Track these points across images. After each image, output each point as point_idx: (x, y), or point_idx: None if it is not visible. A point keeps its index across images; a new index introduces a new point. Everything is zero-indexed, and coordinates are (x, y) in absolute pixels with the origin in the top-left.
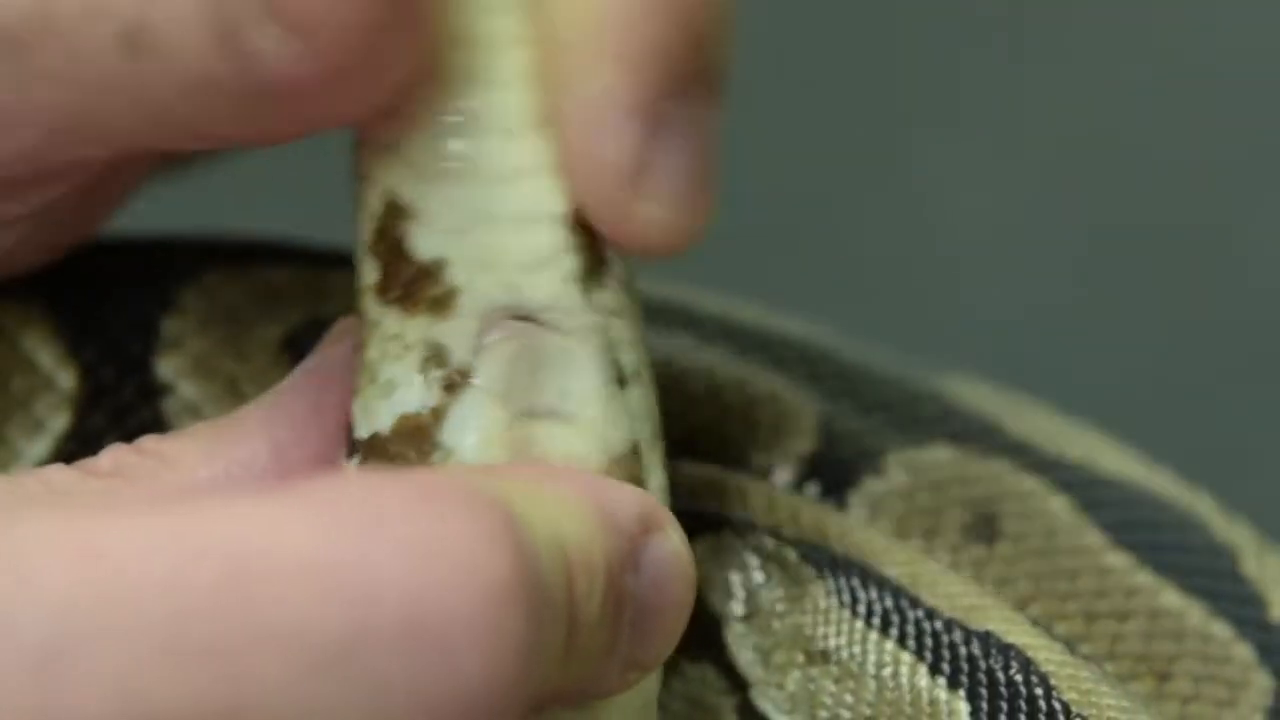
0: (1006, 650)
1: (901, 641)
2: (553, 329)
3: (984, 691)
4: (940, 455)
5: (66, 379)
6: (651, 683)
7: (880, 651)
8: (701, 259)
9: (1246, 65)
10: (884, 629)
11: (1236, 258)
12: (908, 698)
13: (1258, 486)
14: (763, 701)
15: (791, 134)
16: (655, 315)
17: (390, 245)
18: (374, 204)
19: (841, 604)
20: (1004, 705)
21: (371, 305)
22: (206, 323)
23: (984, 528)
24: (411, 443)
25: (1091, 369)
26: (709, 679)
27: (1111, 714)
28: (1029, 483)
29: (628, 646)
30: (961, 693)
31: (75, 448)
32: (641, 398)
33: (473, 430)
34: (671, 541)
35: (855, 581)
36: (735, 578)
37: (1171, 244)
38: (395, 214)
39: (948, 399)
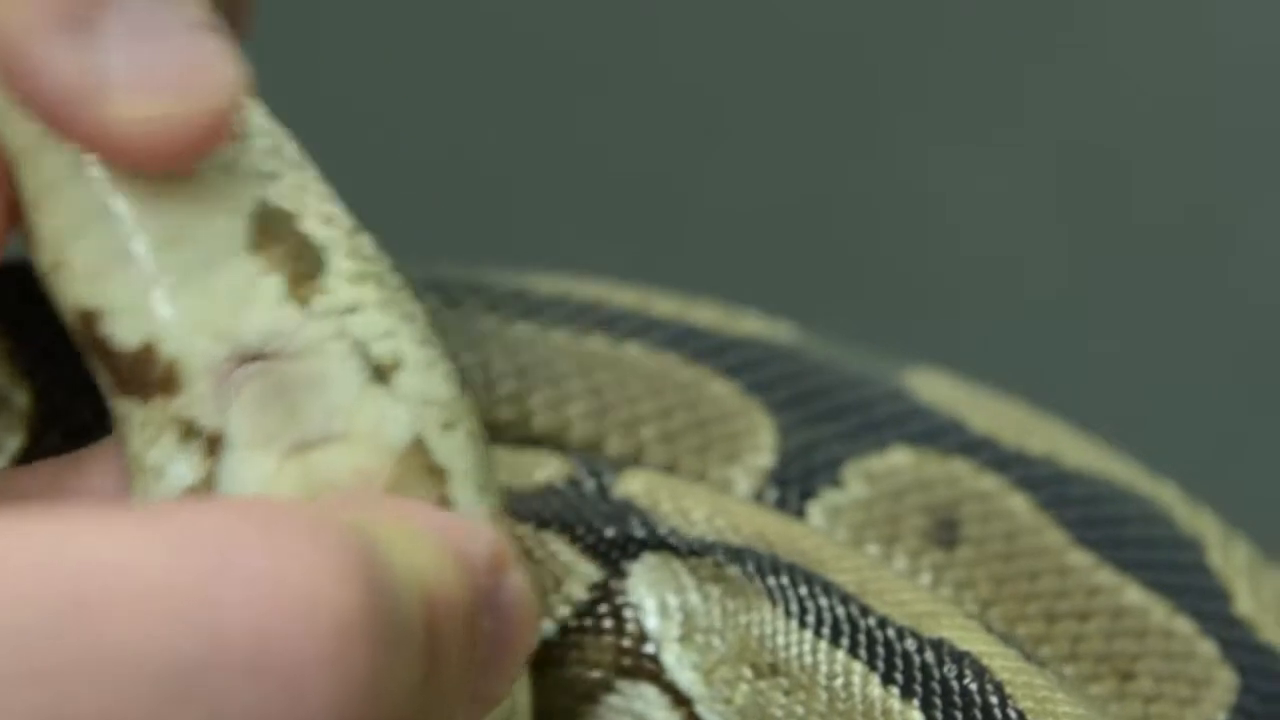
0: (960, 658)
1: (853, 651)
2: (286, 357)
3: (938, 701)
4: (899, 460)
5: (21, 398)
6: (503, 707)
7: (831, 662)
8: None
9: (1248, 66)
10: (834, 639)
11: (1235, 259)
12: (860, 708)
13: (1254, 486)
14: (710, 716)
15: (782, 134)
16: (610, 321)
17: (100, 348)
18: (71, 319)
19: (789, 614)
20: (959, 715)
21: (116, 403)
22: None
23: (944, 532)
24: None
25: (1084, 366)
26: (650, 696)
27: None
28: (990, 482)
29: (476, 683)
30: (915, 702)
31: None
32: (417, 381)
33: (249, 485)
34: (519, 580)
35: (803, 591)
36: (671, 600)
37: (1169, 244)
38: (89, 321)
39: (909, 396)
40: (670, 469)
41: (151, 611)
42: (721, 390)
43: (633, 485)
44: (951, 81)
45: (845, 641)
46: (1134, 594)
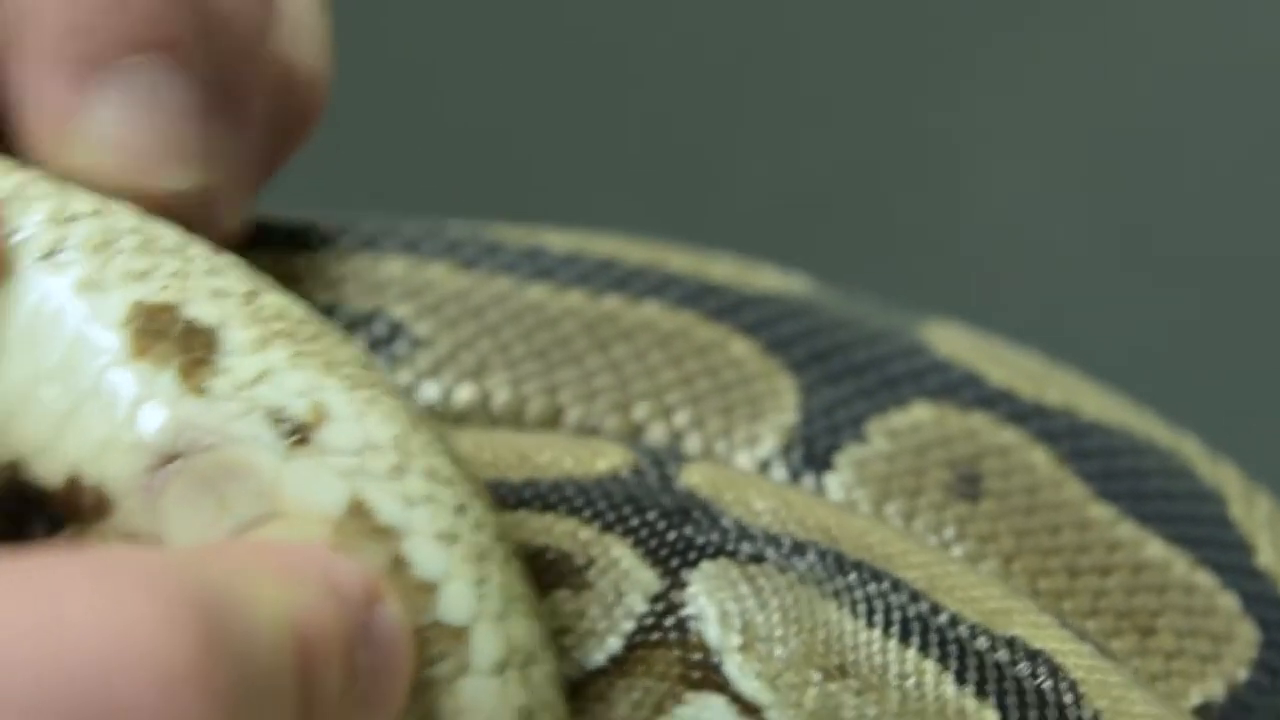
0: (1034, 656)
1: (924, 650)
2: (201, 449)
3: (1012, 700)
4: (921, 415)
5: None
6: None
7: (902, 661)
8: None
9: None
10: (904, 638)
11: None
12: (933, 708)
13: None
14: None
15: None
16: (625, 280)
17: (30, 496)
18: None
19: (856, 614)
20: (1033, 715)
21: (73, 538)
22: None
23: (967, 486)
24: None
25: (1107, 322)
26: (717, 706)
27: None
28: (1010, 436)
29: (359, 717)
30: (990, 702)
31: None
32: (348, 431)
33: None
34: (394, 610)
35: (870, 589)
36: (731, 609)
37: (1195, 203)
38: (15, 470)
39: (927, 351)
40: (698, 428)
41: None
42: (742, 350)
43: (695, 477)
44: (982, 37)
45: (916, 640)
46: (1155, 548)
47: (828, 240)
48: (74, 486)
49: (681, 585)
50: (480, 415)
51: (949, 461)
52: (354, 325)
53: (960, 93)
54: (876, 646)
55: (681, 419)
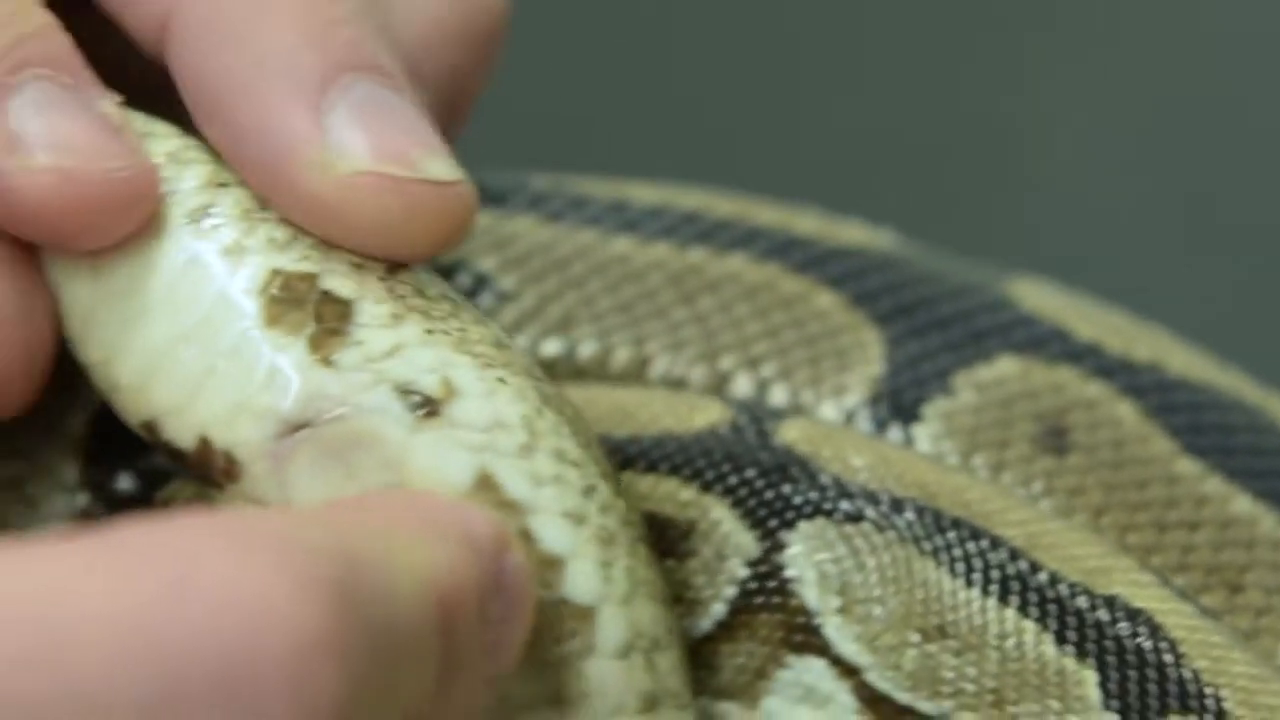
0: (1135, 615)
1: (1023, 609)
2: (330, 418)
3: (1112, 660)
4: (1007, 368)
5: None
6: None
7: (1001, 621)
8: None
9: None
10: (1003, 597)
11: None
12: (1033, 668)
13: None
14: (881, 683)
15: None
16: (711, 233)
17: (169, 451)
18: (141, 433)
19: (954, 574)
20: (1133, 674)
21: (208, 493)
22: None
23: (1054, 439)
24: None
25: (1188, 282)
26: (818, 669)
27: (1243, 683)
28: (1096, 390)
29: (486, 666)
30: (1090, 661)
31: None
32: (477, 409)
33: None
34: (519, 558)
35: (969, 547)
36: (830, 571)
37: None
38: (151, 430)
39: (1013, 305)
40: (785, 379)
41: (114, 642)
42: (828, 302)
43: (792, 433)
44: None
45: (1015, 600)
46: (1243, 503)
47: (897, 203)
48: (205, 448)
49: (780, 547)
50: (566, 368)
51: (1035, 415)
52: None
53: (1028, 60)
54: (976, 606)
55: (768, 370)
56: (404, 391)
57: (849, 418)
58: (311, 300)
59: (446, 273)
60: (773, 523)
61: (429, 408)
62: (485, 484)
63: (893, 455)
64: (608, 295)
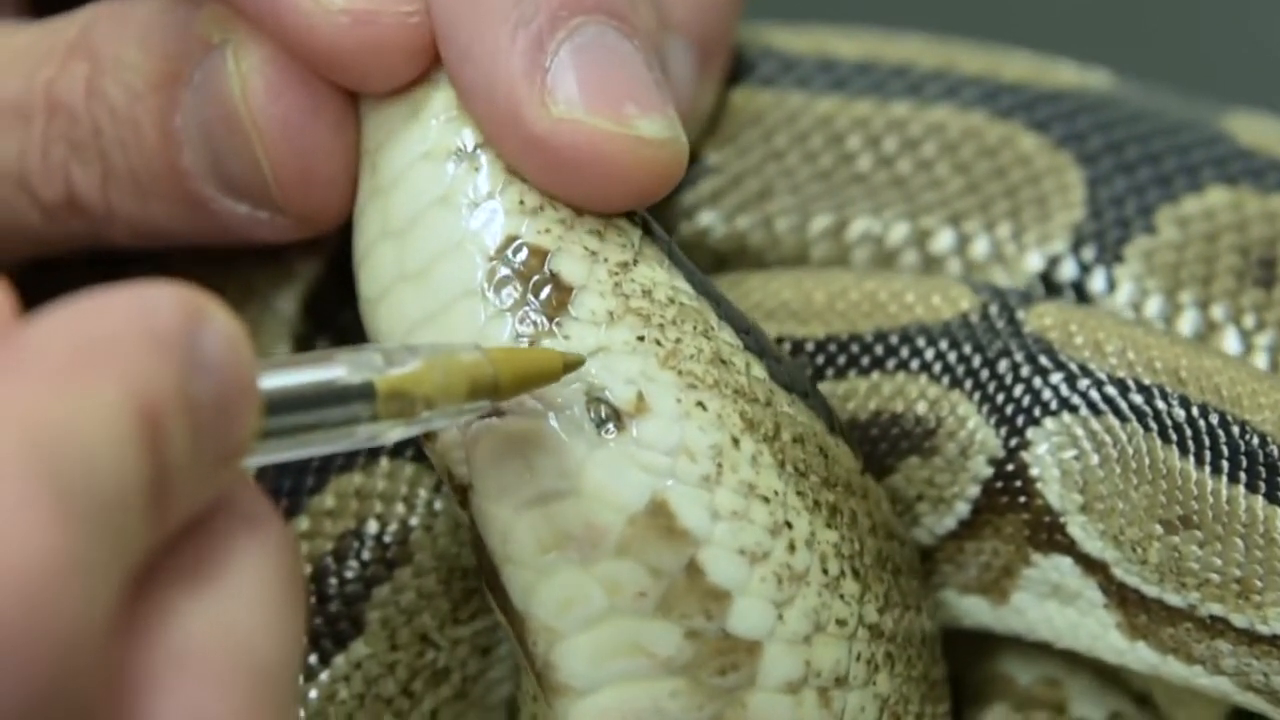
0: None
1: (1271, 496)
2: (520, 414)
3: None
4: (1215, 200)
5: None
6: None
7: (1250, 510)
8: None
9: None
10: (1250, 484)
11: None
12: None
13: None
14: (1128, 577)
15: None
16: (918, 86)
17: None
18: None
19: (1200, 462)
20: None
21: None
22: None
23: (1262, 271)
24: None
25: None
26: (1064, 566)
27: None
28: None
29: (212, 447)
30: None
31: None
32: (664, 430)
33: (497, 536)
34: (220, 323)
35: (1217, 434)
36: (1074, 468)
37: None
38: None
39: (1228, 139)
40: (987, 231)
41: None
42: (1031, 145)
43: (1045, 319)
44: None
45: (1263, 486)
46: None
47: (1126, 38)
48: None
49: (1025, 445)
50: (763, 239)
51: (1241, 247)
52: None
53: None
54: (1222, 495)
55: (970, 225)
56: (594, 399)
57: (1051, 264)
58: (536, 279)
59: None
60: (1019, 420)
61: (615, 421)
62: (659, 510)
63: (1144, 339)
64: (807, 164)
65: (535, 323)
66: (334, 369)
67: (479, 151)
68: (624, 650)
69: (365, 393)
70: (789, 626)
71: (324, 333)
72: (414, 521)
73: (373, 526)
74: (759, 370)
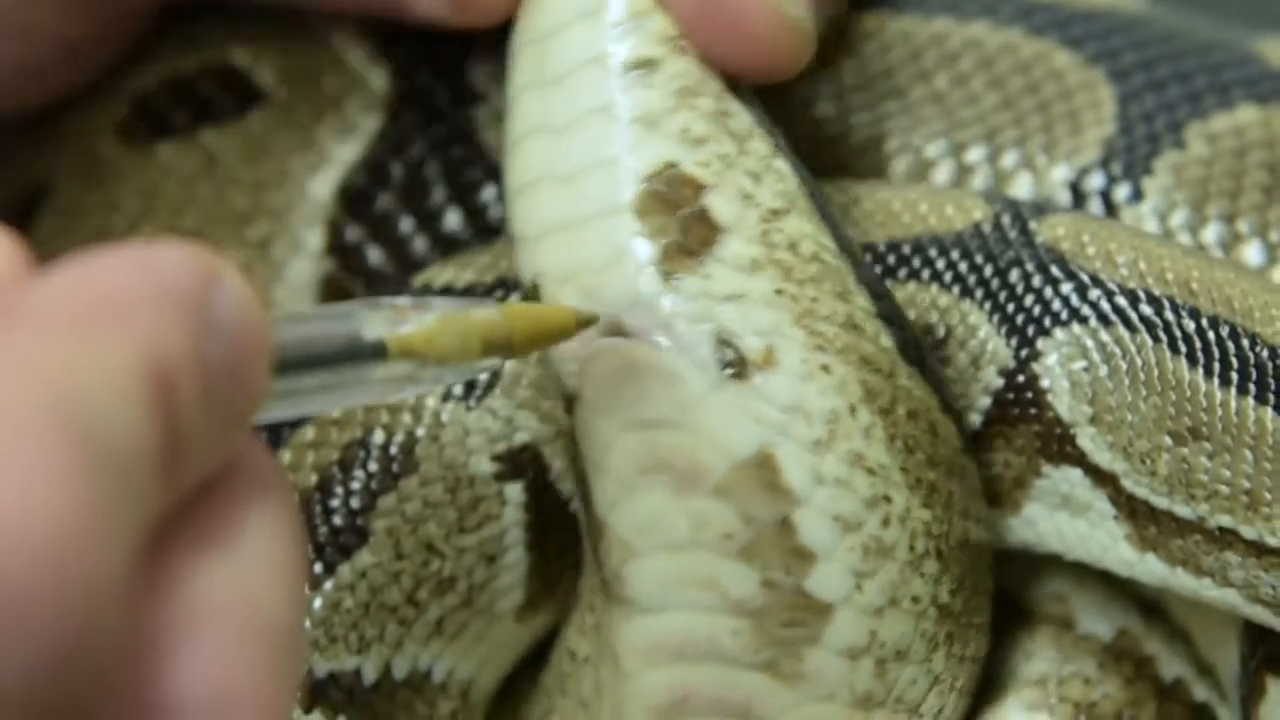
0: None
1: None
2: (644, 340)
3: None
4: (1244, 118)
5: (378, 79)
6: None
7: (1259, 421)
8: None
9: None
10: (1260, 395)
11: None
12: None
13: None
14: (1137, 489)
15: None
16: (956, 3)
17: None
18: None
19: (1209, 373)
20: None
21: None
22: None
23: None
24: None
25: None
26: (1075, 478)
27: None
28: None
29: (223, 410)
30: None
31: (386, 150)
32: (786, 388)
33: (595, 448)
34: (233, 288)
35: (1227, 347)
36: (1083, 379)
37: None
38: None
39: (1258, 60)
40: (1018, 146)
41: None
42: (1064, 61)
43: (1057, 229)
44: None
45: (1273, 399)
46: None
47: None
48: (534, 294)
49: (1035, 356)
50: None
51: (1269, 164)
52: None
53: None
54: (1232, 406)
55: (1003, 137)
56: (723, 342)
57: (1081, 175)
58: (687, 211)
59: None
60: (1029, 330)
61: (739, 369)
62: (764, 463)
63: (1157, 250)
64: (850, 73)
65: (676, 255)
66: (346, 325)
67: (654, 66)
68: (697, 582)
69: (377, 350)
70: (865, 597)
71: (357, 220)
72: (420, 431)
73: (379, 436)
74: (886, 339)
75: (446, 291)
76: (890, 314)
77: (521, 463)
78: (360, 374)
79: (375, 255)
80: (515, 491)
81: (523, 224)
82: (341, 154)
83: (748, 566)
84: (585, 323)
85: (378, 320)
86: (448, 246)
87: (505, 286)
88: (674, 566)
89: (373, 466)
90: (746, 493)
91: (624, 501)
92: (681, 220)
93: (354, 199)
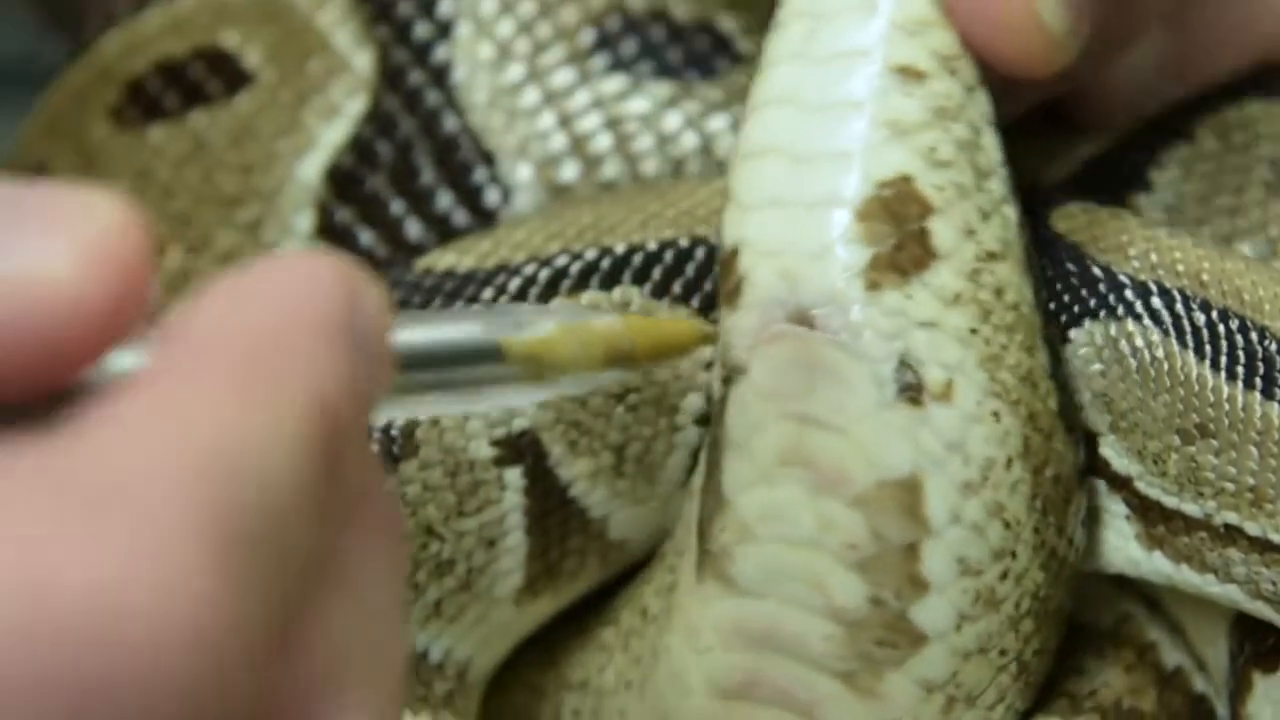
0: None
1: None
2: (829, 338)
3: None
4: (1252, 111)
5: (362, 61)
6: None
7: (1265, 417)
8: None
9: None
10: (1267, 391)
11: None
12: None
13: None
14: (1149, 490)
15: None
16: None
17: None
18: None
19: (1216, 368)
20: None
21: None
22: None
23: None
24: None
25: None
26: (1099, 489)
27: None
28: None
29: (371, 388)
30: None
31: (373, 132)
32: (954, 426)
33: (743, 426)
34: (374, 296)
35: (1235, 340)
36: (1098, 385)
37: None
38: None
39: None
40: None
41: None
42: None
43: (1068, 222)
44: None
45: (1278, 393)
46: None
47: None
48: (732, 260)
49: (1056, 361)
50: None
51: (1271, 159)
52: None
53: None
54: (1239, 402)
55: None
56: (906, 365)
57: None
58: (907, 228)
59: (681, 34)
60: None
61: (915, 394)
62: (912, 488)
63: (1167, 242)
64: None
65: (884, 267)
66: (467, 328)
67: (920, 78)
68: (805, 580)
69: (495, 354)
70: (961, 638)
71: (346, 202)
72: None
73: (379, 420)
74: (1053, 401)
75: (448, 277)
76: (1062, 376)
77: (521, 448)
78: (477, 376)
79: (366, 237)
80: (515, 476)
81: (743, 188)
82: (327, 136)
83: (861, 579)
84: (707, 338)
85: (497, 323)
86: (441, 228)
87: (506, 272)
88: (788, 559)
89: (372, 449)
90: (884, 510)
91: (755, 486)
92: (900, 235)
93: (342, 181)
